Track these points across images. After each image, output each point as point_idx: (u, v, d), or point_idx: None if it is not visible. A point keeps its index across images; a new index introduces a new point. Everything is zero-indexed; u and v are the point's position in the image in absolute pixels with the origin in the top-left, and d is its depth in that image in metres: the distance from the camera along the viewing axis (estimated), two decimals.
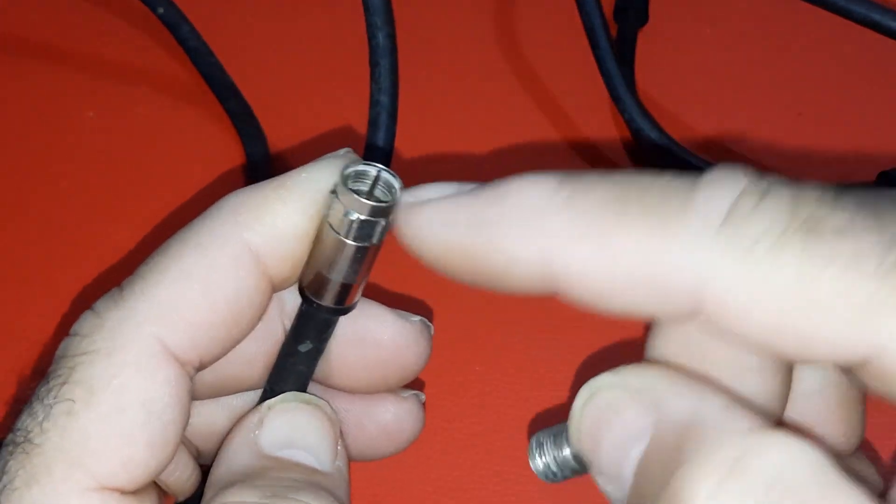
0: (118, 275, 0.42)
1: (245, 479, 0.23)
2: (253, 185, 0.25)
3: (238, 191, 0.25)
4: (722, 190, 0.19)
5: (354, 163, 0.25)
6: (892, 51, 0.43)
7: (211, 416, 0.28)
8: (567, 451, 0.23)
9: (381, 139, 0.30)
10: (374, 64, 0.31)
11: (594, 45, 0.44)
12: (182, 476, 0.26)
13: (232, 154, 0.46)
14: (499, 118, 0.47)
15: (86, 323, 0.23)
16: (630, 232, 0.20)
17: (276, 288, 0.25)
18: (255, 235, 0.24)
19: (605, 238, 0.20)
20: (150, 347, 0.22)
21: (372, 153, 0.29)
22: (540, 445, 0.23)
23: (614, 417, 0.21)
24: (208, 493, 0.24)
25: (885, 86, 0.48)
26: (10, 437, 0.22)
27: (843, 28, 0.41)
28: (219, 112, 0.47)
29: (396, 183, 0.24)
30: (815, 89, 0.48)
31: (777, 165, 0.45)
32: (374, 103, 0.31)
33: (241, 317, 0.24)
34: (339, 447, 0.25)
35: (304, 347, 0.26)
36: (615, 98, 0.43)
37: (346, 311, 0.26)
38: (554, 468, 0.23)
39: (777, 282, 0.18)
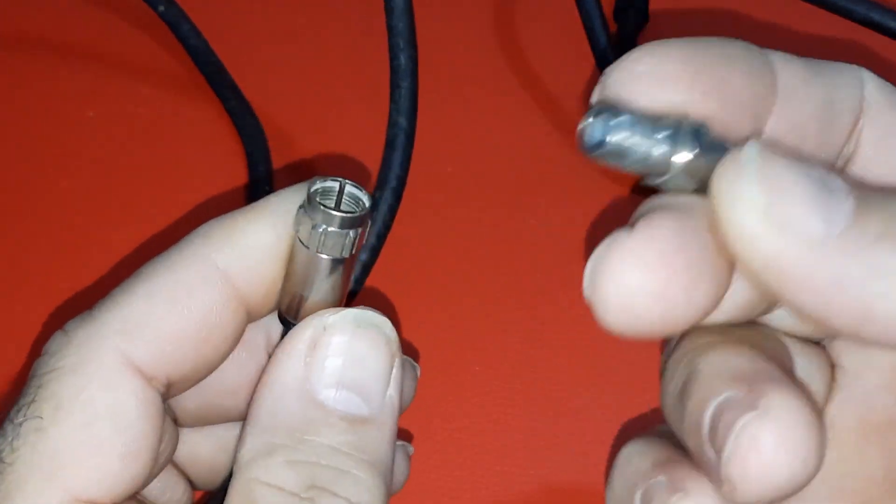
0: (119, 275, 0.42)
1: (285, 443, 0.23)
2: (224, 214, 0.25)
3: (210, 220, 0.25)
4: None
5: (321, 179, 0.24)
6: (892, 51, 0.43)
7: (198, 446, 0.28)
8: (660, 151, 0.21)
9: (397, 160, 0.31)
10: (394, 86, 0.32)
11: (594, 45, 0.44)
12: (173, 497, 0.27)
13: (232, 153, 0.46)
14: (498, 118, 0.47)
15: (55, 341, 0.23)
16: None
17: (252, 314, 0.25)
18: (224, 255, 0.24)
19: None
20: (115, 361, 0.23)
21: (386, 178, 0.30)
22: (624, 127, 0.21)
23: (807, 169, 0.20)
24: (250, 432, 0.23)
25: None
26: None
27: (843, 28, 0.41)
28: (219, 111, 0.47)
29: (363, 195, 0.24)
30: None
31: None
32: (392, 124, 0.31)
33: (211, 336, 0.24)
34: (393, 372, 0.24)
35: None
36: None
37: None
38: (630, 156, 0.21)
39: None
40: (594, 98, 0.22)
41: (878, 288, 0.19)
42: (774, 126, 0.22)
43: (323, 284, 0.24)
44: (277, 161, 0.45)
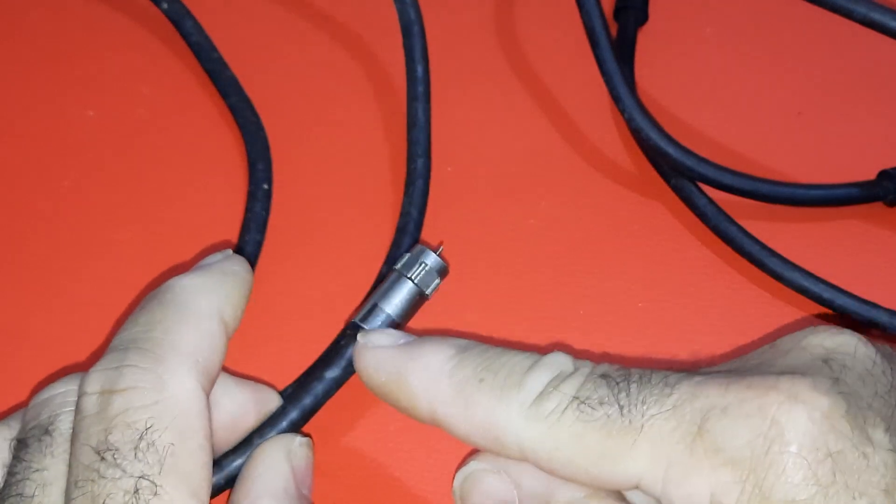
0: (121, 274, 0.42)
1: None
2: (199, 273, 0.33)
3: (189, 276, 0.32)
4: (543, 373, 0.29)
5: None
6: (892, 51, 0.43)
7: None
8: None
9: (405, 245, 0.39)
10: (409, 183, 0.41)
11: (594, 45, 0.44)
12: None
13: (233, 150, 0.46)
14: (498, 118, 0.47)
15: (136, 375, 0.29)
16: (482, 400, 0.29)
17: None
18: (228, 307, 0.32)
19: (467, 401, 0.30)
20: (196, 387, 0.29)
21: (395, 256, 0.38)
22: None
23: (482, 487, 0.31)
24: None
25: (885, 86, 0.48)
26: (119, 483, 0.26)
27: (843, 28, 0.41)
28: (221, 108, 0.47)
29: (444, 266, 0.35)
30: (815, 89, 0.48)
31: (777, 165, 0.45)
32: (403, 213, 0.40)
33: (217, 365, 0.31)
34: None
35: (332, 374, 0.34)
36: (615, 97, 0.43)
37: None
38: None
39: (561, 439, 0.28)
40: None
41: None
42: None
43: (401, 309, 0.34)
44: (277, 159, 0.45)
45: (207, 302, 0.31)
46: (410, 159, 0.41)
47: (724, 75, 0.48)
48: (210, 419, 0.29)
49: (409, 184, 0.41)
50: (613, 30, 0.48)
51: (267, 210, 0.43)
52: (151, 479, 0.26)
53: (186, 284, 0.31)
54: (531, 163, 0.45)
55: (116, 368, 0.28)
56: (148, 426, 0.27)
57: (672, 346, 0.40)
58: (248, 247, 0.42)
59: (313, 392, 0.33)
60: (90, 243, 0.43)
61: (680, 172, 0.43)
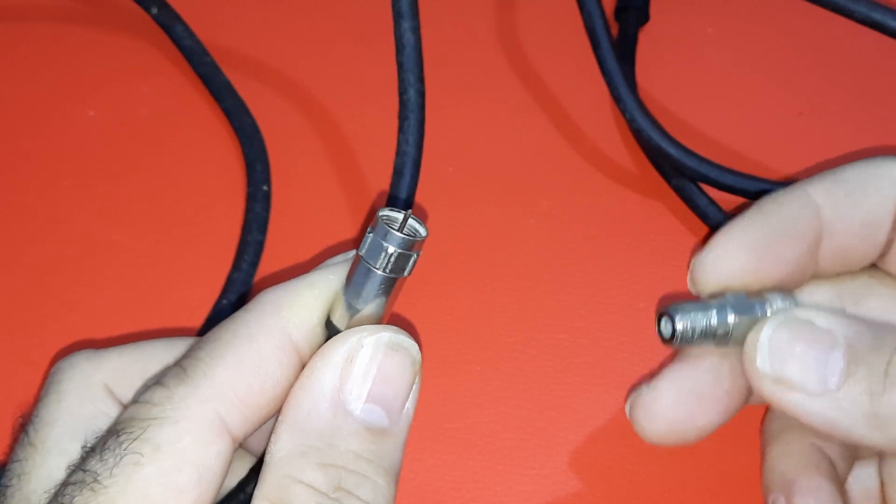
0: (120, 275, 0.42)
1: (317, 445, 0.26)
2: (287, 283, 0.28)
3: (275, 288, 0.28)
4: None
5: (389, 209, 0.27)
6: (892, 50, 0.43)
7: None
8: (714, 323, 0.30)
9: (404, 186, 0.34)
10: (403, 117, 0.35)
11: (595, 45, 0.44)
12: None
13: (230, 152, 0.46)
14: (500, 118, 0.47)
15: (156, 394, 0.26)
16: None
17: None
18: (295, 328, 0.27)
19: None
20: (211, 421, 0.26)
21: (394, 201, 0.33)
22: (684, 314, 0.30)
23: (810, 335, 0.29)
24: (285, 430, 0.26)
25: (885, 86, 0.48)
26: (76, 475, 0.25)
27: (844, 28, 0.41)
28: (217, 111, 0.47)
29: (420, 227, 0.27)
30: (815, 89, 0.48)
31: (777, 165, 0.45)
32: (400, 153, 0.34)
33: (282, 396, 0.27)
34: (413, 389, 0.28)
35: None
36: (616, 98, 0.43)
37: None
38: (696, 334, 0.30)
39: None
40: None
41: (861, 431, 0.28)
42: (825, 259, 0.31)
43: (375, 299, 0.27)
44: (274, 159, 0.45)
45: (274, 321, 0.27)
46: (402, 89, 0.35)
47: (726, 75, 0.48)
48: (215, 450, 0.26)
49: (402, 118, 0.35)
50: (614, 29, 0.48)
51: (267, 210, 0.43)
52: (100, 479, 0.25)
53: (264, 300, 0.28)
54: (532, 163, 0.45)
55: (157, 380, 0.27)
56: (124, 432, 0.26)
57: None
58: (250, 247, 0.42)
59: None
60: (89, 243, 0.43)
61: (681, 172, 0.43)
